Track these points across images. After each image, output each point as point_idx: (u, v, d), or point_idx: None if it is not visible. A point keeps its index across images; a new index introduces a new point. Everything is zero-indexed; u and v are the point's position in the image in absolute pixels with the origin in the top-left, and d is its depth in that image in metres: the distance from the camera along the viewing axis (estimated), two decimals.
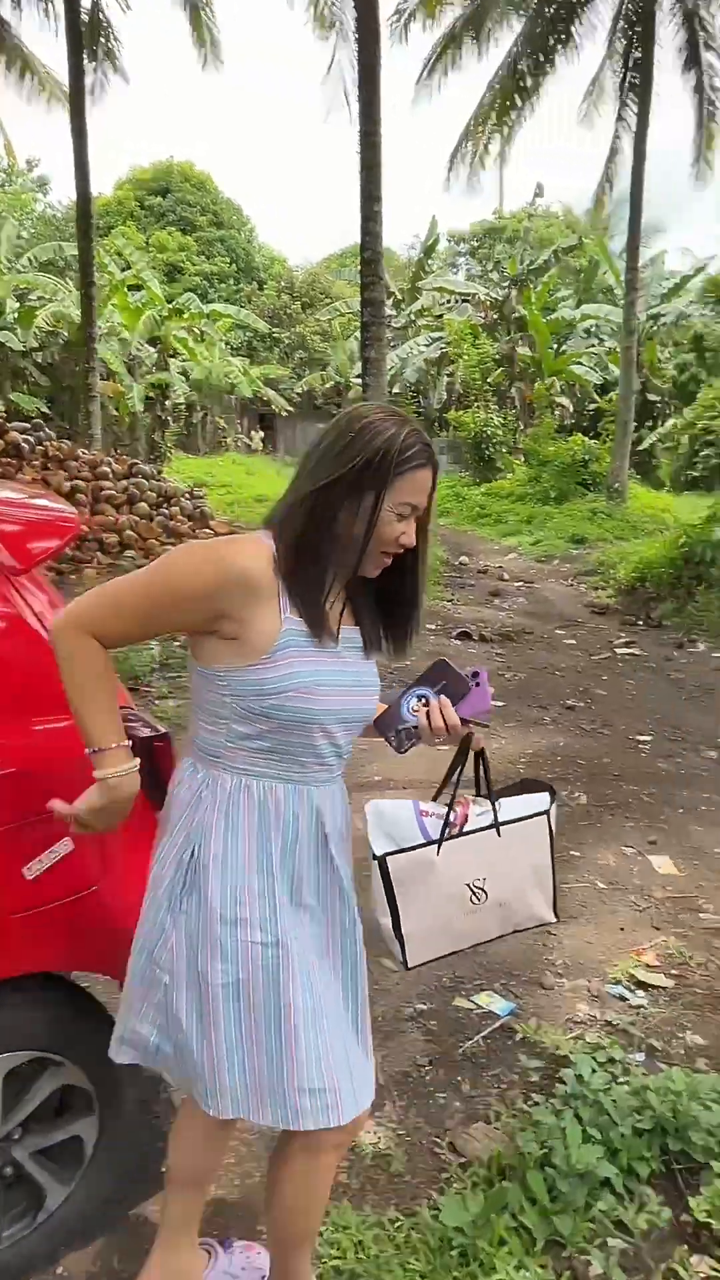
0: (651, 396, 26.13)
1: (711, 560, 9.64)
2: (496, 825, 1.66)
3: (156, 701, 5.60)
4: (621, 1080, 2.26)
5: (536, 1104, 2.18)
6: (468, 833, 1.63)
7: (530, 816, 1.71)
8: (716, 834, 4.04)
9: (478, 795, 1.69)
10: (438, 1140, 2.12)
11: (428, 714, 1.42)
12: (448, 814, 1.61)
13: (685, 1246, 1.82)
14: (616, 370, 22.30)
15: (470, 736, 1.56)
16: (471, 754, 1.61)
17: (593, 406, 25.94)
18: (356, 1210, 1.89)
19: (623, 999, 2.70)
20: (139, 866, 1.50)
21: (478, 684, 1.45)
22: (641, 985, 2.77)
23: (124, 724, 1.41)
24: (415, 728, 1.43)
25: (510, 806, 1.70)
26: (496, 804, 1.67)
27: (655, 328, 25.82)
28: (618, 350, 20.60)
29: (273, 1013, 1.34)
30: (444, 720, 1.41)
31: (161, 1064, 1.47)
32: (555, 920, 1.79)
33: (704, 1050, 2.48)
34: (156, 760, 1.61)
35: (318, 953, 1.42)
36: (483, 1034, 2.52)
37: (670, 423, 25.93)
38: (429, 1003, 2.67)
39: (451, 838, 1.60)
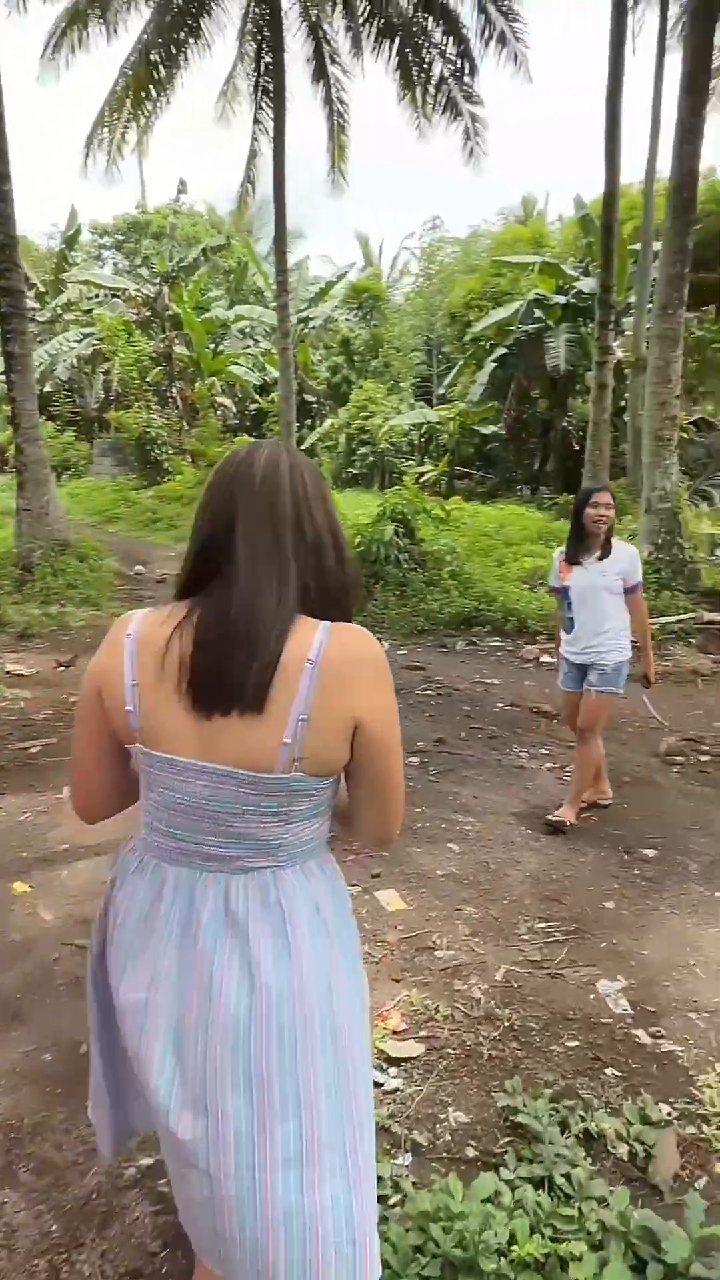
0: (308, 397, 27.01)
1: (386, 558, 9.94)
2: None
3: None
4: (395, 1203, 1.95)
5: None
6: None
7: None
8: (435, 854, 3.94)
9: None
10: None
11: None
12: None
13: None
14: (274, 371, 22.63)
15: None
16: None
17: (254, 407, 26.19)
18: None
19: (378, 1085, 2.40)
20: None
21: None
22: (394, 1061, 2.49)
23: None
24: None
25: None
26: None
27: (306, 330, 26.65)
28: (273, 351, 20.86)
29: None
30: None
31: None
32: None
33: (469, 1130, 2.24)
34: None
35: None
36: None
37: (328, 422, 26.99)
38: (155, 1151, 2.16)
39: None
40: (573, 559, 4.25)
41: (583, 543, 4.22)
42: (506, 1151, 2.13)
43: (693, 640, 8.59)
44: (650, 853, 4.05)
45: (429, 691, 6.86)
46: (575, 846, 4.09)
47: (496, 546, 12.59)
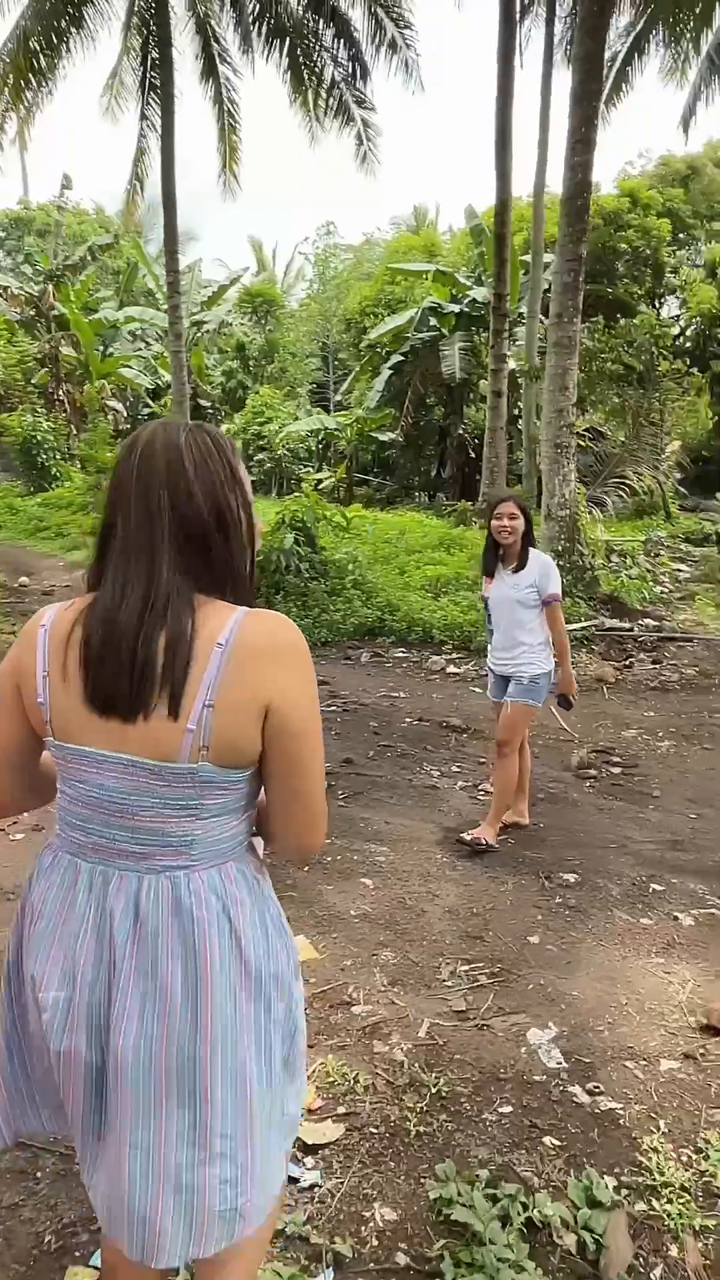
0: (202, 402, 26.41)
1: (286, 568, 9.65)
2: None
3: None
4: None
5: None
6: None
7: None
8: (348, 890, 3.66)
9: None
10: None
11: None
12: None
13: None
14: (166, 375, 22.02)
15: None
16: None
17: (147, 411, 25.45)
18: None
19: (294, 1181, 2.10)
20: None
21: None
22: (310, 1149, 2.20)
23: None
24: None
25: None
26: None
27: (199, 334, 26.09)
28: (165, 355, 20.27)
29: None
30: None
31: None
32: None
33: (398, 1229, 1.97)
34: None
35: None
36: None
37: (224, 428, 26.45)
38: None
39: None
40: (486, 570, 4.09)
41: (495, 554, 4.05)
42: (443, 1256, 1.87)
43: (595, 647, 8.61)
44: (571, 877, 3.88)
45: (334, 708, 6.59)
46: (494, 874, 3.89)
47: (398, 554, 12.40)
